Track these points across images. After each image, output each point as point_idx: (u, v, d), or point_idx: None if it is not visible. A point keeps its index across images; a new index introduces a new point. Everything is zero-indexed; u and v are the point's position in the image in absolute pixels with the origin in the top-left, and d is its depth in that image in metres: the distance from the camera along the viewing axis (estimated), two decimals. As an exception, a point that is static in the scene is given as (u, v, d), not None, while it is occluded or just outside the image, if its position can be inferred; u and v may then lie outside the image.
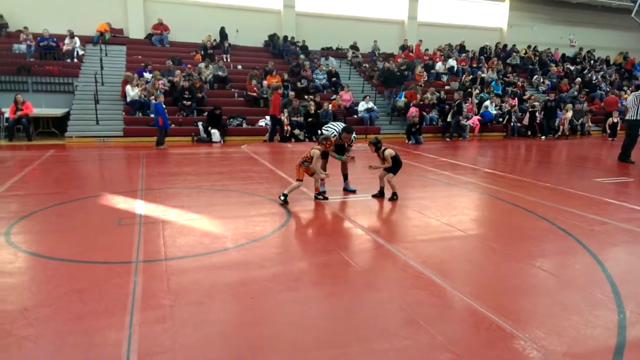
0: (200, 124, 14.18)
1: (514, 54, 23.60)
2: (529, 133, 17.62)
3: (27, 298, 3.54)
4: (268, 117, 14.64)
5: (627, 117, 11.31)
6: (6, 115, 13.10)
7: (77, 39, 16.76)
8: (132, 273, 3.97)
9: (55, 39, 16.31)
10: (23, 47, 16.08)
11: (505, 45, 24.33)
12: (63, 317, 3.23)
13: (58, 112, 14.41)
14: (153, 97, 13.98)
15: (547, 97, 18.04)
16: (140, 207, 6.20)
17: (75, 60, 16.37)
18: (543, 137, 16.99)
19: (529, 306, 3.58)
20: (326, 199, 6.78)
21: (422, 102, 17.15)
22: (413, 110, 15.99)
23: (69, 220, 5.66)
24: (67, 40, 16.54)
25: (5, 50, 15.80)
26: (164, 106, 12.54)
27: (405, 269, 4.22)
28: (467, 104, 17.59)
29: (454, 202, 6.96)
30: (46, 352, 2.82)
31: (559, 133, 17.68)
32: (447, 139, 16.20)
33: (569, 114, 18.14)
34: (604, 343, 3.04)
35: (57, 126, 14.51)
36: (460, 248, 4.92)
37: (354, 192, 7.31)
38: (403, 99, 17.49)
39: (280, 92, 14.88)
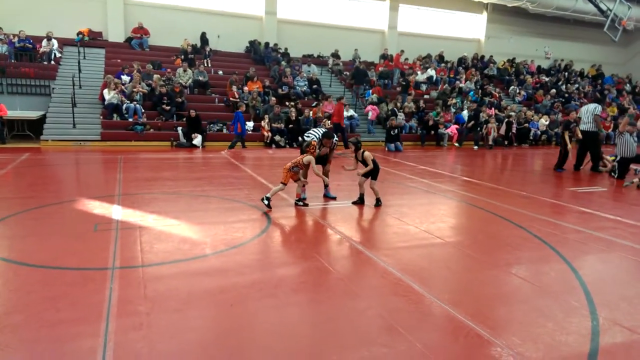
0: (179, 128, 14.04)
1: (491, 64, 24.12)
2: (506, 142, 17.99)
3: (-3, 306, 3.43)
4: (266, 124, 14.68)
5: (583, 129, 11.62)
6: (-22, 116, 12.74)
7: (54, 41, 16.42)
8: (108, 280, 3.89)
9: (31, 41, 15.94)
10: (-2, 47, 15.68)
11: (482, 56, 24.85)
12: (35, 324, 3.13)
13: (33, 114, 14.05)
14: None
15: (474, 107, 18.05)
16: (117, 212, 6.09)
17: (53, 62, 16.03)
18: (476, 147, 16.81)
19: (505, 313, 3.64)
20: (306, 205, 6.79)
21: (402, 110, 17.39)
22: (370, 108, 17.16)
23: (43, 226, 5.51)
24: (44, 42, 16.17)
25: (-22, 51, 15.37)
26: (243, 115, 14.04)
27: (385, 276, 4.25)
28: (445, 113, 17.91)
29: (433, 210, 7.04)
30: (17, 361, 2.73)
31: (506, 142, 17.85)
32: (475, 148, 16.72)
33: (543, 120, 18.69)
34: (578, 349, 3.11)
35: (32, 129, 14.15)
36: (439, 255, 4.98)
37: (334, 198, 7.33)
38: (371, 95, 18.24)
39: (343, 101, 15.56)
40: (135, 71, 15.56)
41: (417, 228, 5.88)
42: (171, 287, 3.83)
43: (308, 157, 6.58)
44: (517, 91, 22.36)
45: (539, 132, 18.81)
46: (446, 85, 20.54)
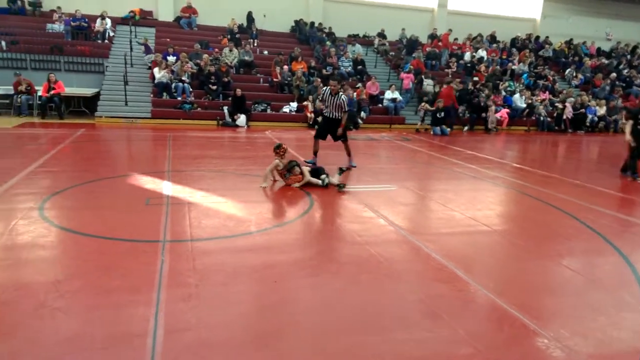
0: (225, 108, 14.28)
1: (547, 46, 22.90)
2: (556, 128, 17.17)
3: (59, 271, 3.67)
4: (310, 105, 14.81)
5: None
6: (39, 93, 13.44)
7: (108, 20, 16.99)
8: (159, 252, 4.07)
9: (87, 20, 16.57)
10: (56, 26, 16.41)
11: (538, 37, 23.63)
12: (93, 291, 3.33)
13: (88, 91, 14.70)
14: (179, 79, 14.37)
15: (461, 86, 17.02)
16: (167, 188, 6.32)
17: (106, 41, 16.62)
18: (465, 129, 16.11)
19: (554, 305, 3.53)
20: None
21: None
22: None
23: (99, 198, 5.81)
24: (98, 21, 16.78)
25: (39, 30, 16.15)
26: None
27: (428, 262, 4.20)
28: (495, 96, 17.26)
29: (480, 196, 6.86)
30: (76, 323, 2.92)
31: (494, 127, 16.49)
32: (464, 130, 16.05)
33: (603, 109, 17.65)
34: (631, 346, 2.99)
35: (87, 106, 14.82)
36: (485, 243, 4.87)
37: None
38: (410, 66, 18.10)
39: (453, 85, 16.07)
40: (181, 53, 15.87)
41: (462, 214, 5.75)
42: (218, 261, 3.96)
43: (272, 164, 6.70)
44: (574, 74, 21.17)
45: (595, 119, 17.81)
46: (497, 67, 19.74)
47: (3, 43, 14.87)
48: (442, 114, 14.97)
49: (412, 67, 18.22)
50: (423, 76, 17.60)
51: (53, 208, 5.23)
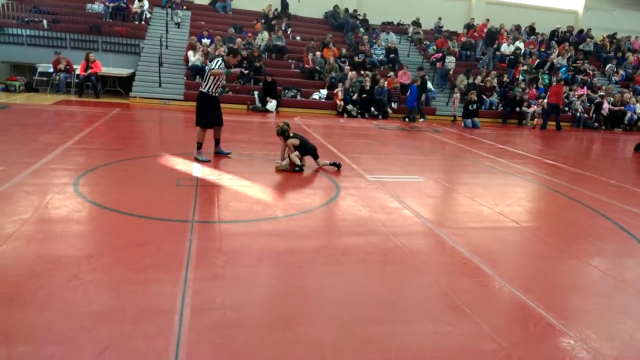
0: (256, 93, 14.36)
1: (589, 39, 22.02)
2: (595, 125, 16.59)
3: (92, 246, 3.81)
4: (340, 93, 14.76)
5: None
6: (77, 72, 13.82)
7: (145, 2, 17.24)
8: (188, 231, 4.17)
9: (125, 1, 16.87)
10: (95, 6, 16.78)
11: (581, 30, 22.73)
12: (124, 266, 3.45)
13: (124, 72, 15.02)
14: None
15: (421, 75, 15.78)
16: (196, 169, 6.44)
17: (143, 22, 16.89)
18: (422, 120, 15.00)
19: (581, 305, 3.46)
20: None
21: (482, 85, 16.52)
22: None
23: (131, 177, 5.97)
24: (136, 3, 17.06)
25: (78, 9, 16.54)
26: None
27: (453, 255, 4.17)
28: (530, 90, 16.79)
29: (509, 192, 6.72)
30: (108, 297, 3.04)
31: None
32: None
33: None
34: (662, 353, 2.90)
35: (122, 85, 15.16)
36: (513, 239, 4.79)
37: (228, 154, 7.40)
38: (434, 47, 18.51)
39: (562, 83, 16.18)
40: (216, 37, 15.99)
41: (490, 209, 5.66)
42: (244, 244, 4.03)
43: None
44: (615, 70, 20.32)
45: (635, 117, 17.10)
46: (537, 60, 19.12)
47: (45, 22, 15.32)
48: (474, 106, 14.67)
49: (435, 46, 18.43)
50: (445, 52, 17.52)
51: (87, 184, 5.41)
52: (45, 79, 14.15)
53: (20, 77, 14.00)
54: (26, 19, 15.32)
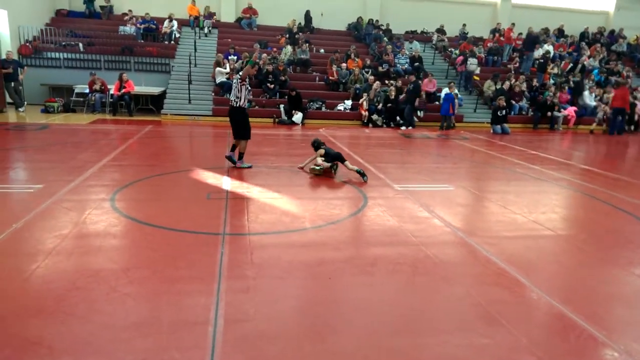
0: (282, 106, 14.54)
1: (621, 40, 21.36)
2: (632, 128, 16.00)
3: (128, 259, 3.91)
4: (365, 103, 14.76)
5: None
6: (111, 91, 14.34)
7: (175, 22, 17.79)
8: (220, 244, 4.23)
9: (155, 22, 17.46)
10: (127, 28, 17.42)
11: (613, 31, 22.09)
12: (159, 279, 3.53)
13: (155, 90, 15.49)
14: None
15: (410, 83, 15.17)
16: (226, 183, 6.55)
17: (172, 42, 17.41)
18: (404, 128, 14.33)
19: (625, 317, 3.32)
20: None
21: (511, 90, 16.22)
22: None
23: (164, 191, 6.12)
24: (165, 23, 17.63)
25: (111, 32, 17.21)
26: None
27: (487, 265, 4.08)
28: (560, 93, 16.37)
29: (544, 199, 6.55)
30: (145, 309, 3.11)
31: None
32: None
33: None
34: None
35: (154, 103, 15.62)
36: (549, 248, 4.65)
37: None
38: (456, 51, 18.68)
39: (627, 86, 15.72)
40: (243, 53, 16.31)
41: (524, 217, 5.52)
42: (274, 255, 4.06)
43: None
44: (651, 70, 19.62)
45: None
46: (570, 64, 18.65)
47: (80, 45, 16.01)
48: (504, 112, 14.41)
49: (458, 51, 18.54)
50: (468, 54, 17.39)
51: (123, 200, 5.58)
52: (81, 99, 14.72)
53: (58, 99, 14.62)
54: (63, 43, 16.04)
